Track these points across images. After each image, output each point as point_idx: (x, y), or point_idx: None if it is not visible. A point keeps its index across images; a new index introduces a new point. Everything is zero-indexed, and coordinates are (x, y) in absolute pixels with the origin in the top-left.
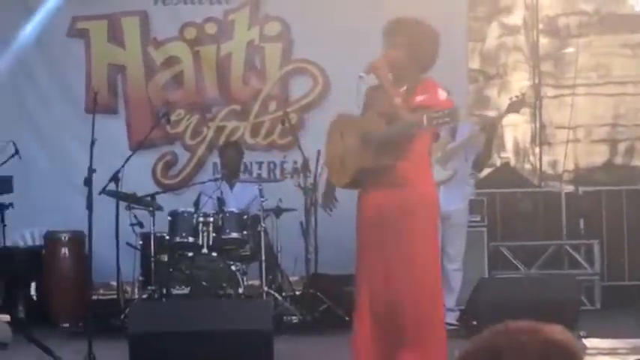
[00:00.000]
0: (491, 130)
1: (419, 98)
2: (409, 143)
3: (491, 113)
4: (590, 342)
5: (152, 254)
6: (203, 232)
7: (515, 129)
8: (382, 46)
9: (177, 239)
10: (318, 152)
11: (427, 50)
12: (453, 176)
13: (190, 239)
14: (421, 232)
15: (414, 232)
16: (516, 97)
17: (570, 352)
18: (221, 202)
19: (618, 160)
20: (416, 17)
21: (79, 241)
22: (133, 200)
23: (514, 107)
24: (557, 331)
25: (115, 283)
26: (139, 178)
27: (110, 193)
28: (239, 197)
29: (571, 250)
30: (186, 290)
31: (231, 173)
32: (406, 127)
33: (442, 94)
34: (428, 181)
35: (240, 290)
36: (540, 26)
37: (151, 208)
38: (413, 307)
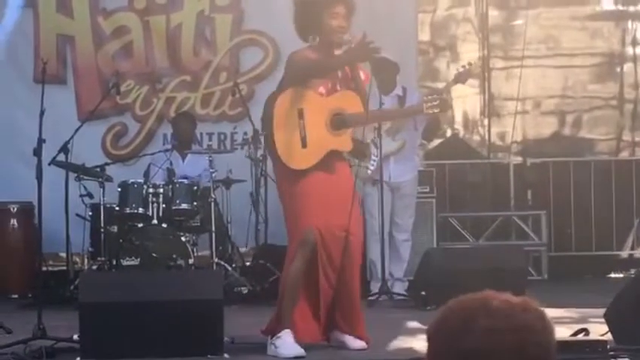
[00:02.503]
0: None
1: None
2: None
3: (441, 85)
4: None
5: (102, 225)
6: (153, 203)
7: (465, 101)
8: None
9: (127, 210)
10: None
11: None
12: (402, 147)
13: (140, 210)
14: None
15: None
16: (463, 67)
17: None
18: (171, 172)
19: (566, 131)
20: None
21: (28, 212)
22: (82, 171)
23: (460, 78)
24: (534, 315)
25: (64, 255)
26: (88, 148)
27: (59, 164)
28: (190, 168)
29: (518, 221)
30: (136, 261)
31: (183, 144)
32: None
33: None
34: None
35: (191, 261)
36: None
37: (100, 179)
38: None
